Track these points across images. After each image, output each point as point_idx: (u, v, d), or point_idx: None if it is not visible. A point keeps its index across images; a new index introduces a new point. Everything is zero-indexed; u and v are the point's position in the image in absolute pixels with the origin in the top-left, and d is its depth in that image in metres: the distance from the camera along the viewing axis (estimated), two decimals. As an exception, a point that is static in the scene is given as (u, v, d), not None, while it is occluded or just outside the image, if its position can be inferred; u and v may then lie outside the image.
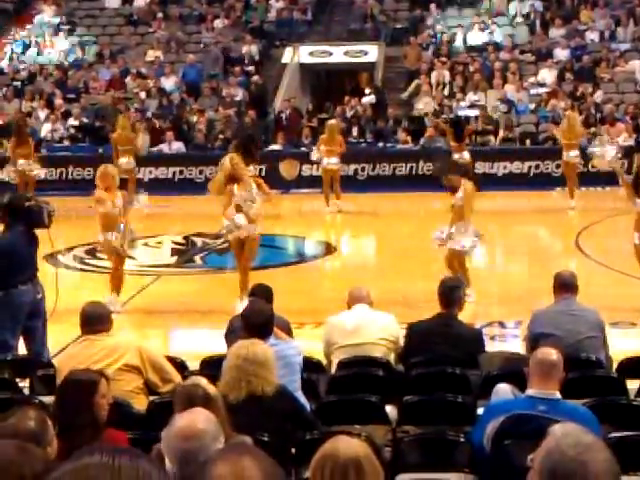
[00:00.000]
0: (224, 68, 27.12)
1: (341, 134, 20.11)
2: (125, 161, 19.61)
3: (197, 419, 3.84)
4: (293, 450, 5.48)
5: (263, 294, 7.70)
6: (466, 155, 18.99)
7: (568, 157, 18.76)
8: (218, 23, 28.88)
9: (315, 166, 22.04)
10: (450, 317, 7.73)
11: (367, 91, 26.22)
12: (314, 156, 19.61)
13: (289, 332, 7.71)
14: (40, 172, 19.74)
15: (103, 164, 12.42)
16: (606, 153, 11.02)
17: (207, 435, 3.73)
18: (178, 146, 23.94)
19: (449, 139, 19.69)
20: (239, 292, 11.20)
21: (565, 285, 7.68)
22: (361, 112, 24.98)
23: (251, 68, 27.04)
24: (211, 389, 4.69)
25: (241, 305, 9.63)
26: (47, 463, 3.13)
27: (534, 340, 7.39)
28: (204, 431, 3.75)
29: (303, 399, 6.42)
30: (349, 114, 24.64)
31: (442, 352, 7.34)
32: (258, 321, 6.54)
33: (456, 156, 18.78)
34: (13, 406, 4.26)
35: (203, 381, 4.83)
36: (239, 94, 26.13)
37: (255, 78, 26.25)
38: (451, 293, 7.78)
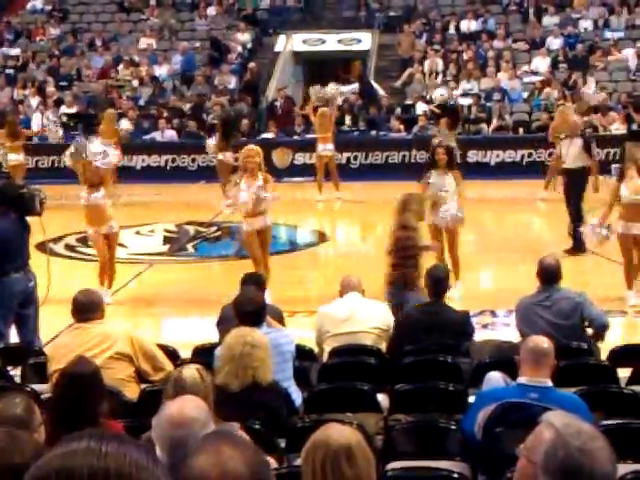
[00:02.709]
0: (217, 56, 27.05)
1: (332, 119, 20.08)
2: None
3: (187, 406, 3.83)
4: (284, 438, 5.48)
5: (255, 282, 7.70)
6: (452, 144, 18.95)
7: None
8: (211, 11, 28.82)
9: (308, 154, 22.04)
10: (438, 305, 7.75)
11: (351, 80, 26.17)
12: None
13: (281, 321, 7.71)
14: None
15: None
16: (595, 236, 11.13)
17: (196, 422, 3.72)
18: (170, 134, 23.89)
19: (441, 125, 19.62)
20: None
21: (545, 274, 7.71)
22: (353, 100, 24.94)
23: (244, 56, 26.98)
24: (197, 377, 4.67)
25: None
26: (37, 450, 3.12)
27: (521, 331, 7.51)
28: (193, 418, 3.74)
29: (295, 387, 6.43)
30: (340, 101, 24.55)
31: (431, 340, 7.35)
32: (250, 309, 6.54)
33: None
34: (3, 394, 4.26)
35: (191, 368, 4.81)
36: (232, 82, 26.08)
37: (251, 65, 26.19)
38: (438, 284, 7.80)
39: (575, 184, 13.46)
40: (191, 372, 4.70)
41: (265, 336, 5.81)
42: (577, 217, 13.18)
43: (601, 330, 7.64)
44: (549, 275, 7.68)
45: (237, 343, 5.60)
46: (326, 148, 19.04)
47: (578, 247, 12.89)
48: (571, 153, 13.54)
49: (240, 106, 24.21)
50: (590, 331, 7.71)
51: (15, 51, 28.14)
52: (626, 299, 10.92)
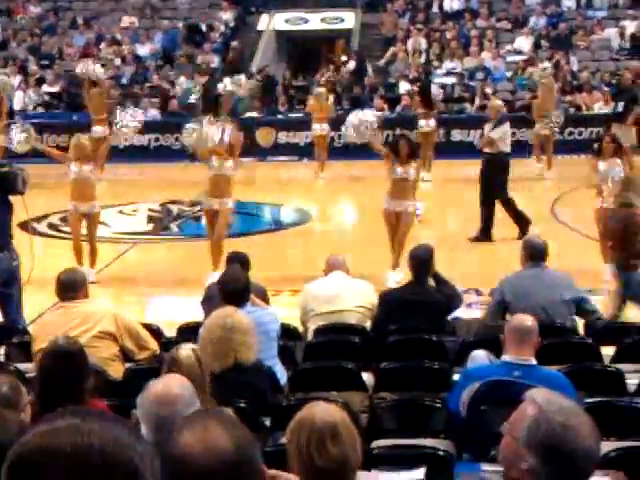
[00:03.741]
0: (200, 35, 26.94)
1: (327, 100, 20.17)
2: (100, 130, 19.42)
3: (171, 384, 3.83)
4: (269, 416, 5.49)
5: (239, 261, 7.69)
6: (432, 123, 18.97)
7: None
8: (194, -11, 28.66)
9: (292, 133, 22.01)
10: (421, 284, 7.75)
11: (344, 58, 26.14)
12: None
13: (265, 299, 7.71)
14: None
15: (76, 134, 12.52)
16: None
17: (181, 400, 3.72)
18: (153, 113, 23.78)
19: (416, 106, 19.64)
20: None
21: (534, 252, 7.68)
22: (339, 78, 24.88)
23: (227, 35, 26.87)
24: (187, 355, 4.66)
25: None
26: (22, 428, 3.11)
27: (502, 307, 7.47)
28: (178, 396, 3.74)
29: (280, 366, 6.43)
30: (322, 81, 24.48)
31: (415, 319, 7.36)
32: (234, 288, 6.53)
33: (422, 123, 18.80)
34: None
35: (188, 347, 4.79)
36: (215, 61, 25.97)
37: (233, 44, 26.09)
38: (422, 263, 7.79)
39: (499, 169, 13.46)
40: (187, 352, 4.69)
41: (247, 316, 5.79)
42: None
43: (597, 325, 7.65)
44: (538, 253, 7.67)
45: (217, 326, 5.58)
46: (322, 127, 19.15)
47: (488, 235, 13.14)
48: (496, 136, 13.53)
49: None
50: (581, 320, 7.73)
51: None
52: (602, 273, 11.01)
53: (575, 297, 7.57)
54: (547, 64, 21.16)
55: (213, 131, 11.59)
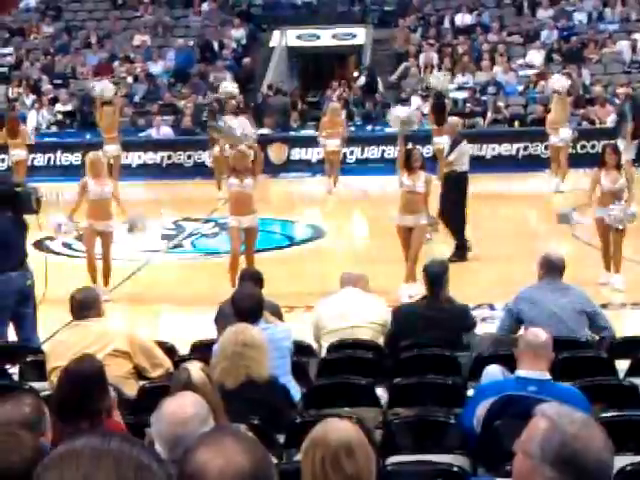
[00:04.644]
0: (212, 52, 27.04)
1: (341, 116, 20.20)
2: (112, 148, 19.50)
3: (185, 403, 3.83)
4: (284, 434, 5.48)
5: (252, 278, 7.70)
6: (445, 139, 18.88)
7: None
8: (205, 7, 28.78)
9: (304, 150, 22.05)
10: (436, 300, 7.74)
11: (355, 74, 26.19)
12: (320, 142, 19.60)
13: (279, 316, 7.71)
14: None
15: (91, 152, 12.65)
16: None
17: (195, 419, 3.72)
18: (166, 131, 23.86)
19: (430, 121, 19.60)
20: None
21: (551, 267, 7.68)
22: (351, 95, 24.92)
23: (239, 52, 26.96)
24: (199, 375, 4.66)
25: None
26: (37, 449, 3.11)
27: (517, 319, 7.47)
28: (192, 415, 3.74)
29: (293, 383, 6.43)
30: (334, 97, 24.53)
31: (430, 334, 7.35)
32: (248, 305, 6.53)
33: (436, 139, 18.76)
34: (4, 393, 4.24)
35: (196, 366, 4.80)
36: (227, 78, 26.04)
37: (245, 60, 26.18)
38: (437, 278, 7.79)
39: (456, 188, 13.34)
40: (197, 372, 4.69)
41: (261, 333, 5.80)
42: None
43: (609, 339, 7.64)
44: (555, 267, 7.67)
45: (230, 342, 5.59)
46: (334, 143, 19.15)
47: (464, 254, 13.02)
48: (452, 158, 13.41)
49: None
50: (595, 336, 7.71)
51: (8, 50, 28.04)
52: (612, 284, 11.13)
53: (589, 311, 7.56)
54: (561, 76, 21.02)
55: (235, 124, 11.67)
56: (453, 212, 13.14)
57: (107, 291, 11.59)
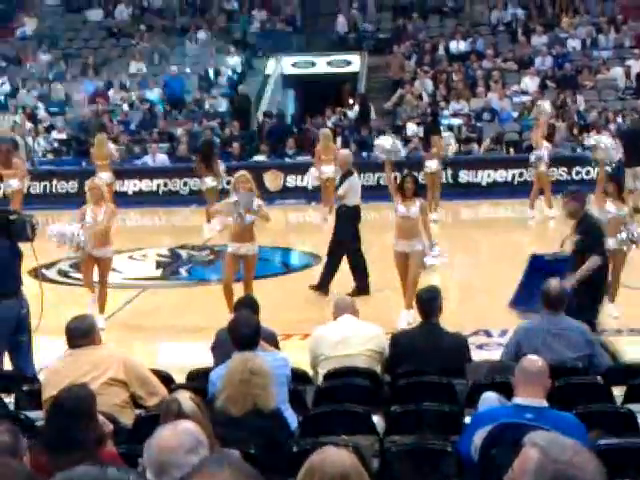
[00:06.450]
0: (207, 80, 27.15)
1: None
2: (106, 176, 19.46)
3: (174, 431, 3.81)
4: (280, 462, 5.46)
5: (248, 305, 7.69)
6: (433, 165, 18.92)
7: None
8: (201, 35, 28.91)
9: (299, 177, 22.08)
10: (433, 326, 7.74)
11: (351, 101, 26.28)
12: (314, 176, 19.45)
13: (276, 343, 7.70)
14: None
15: (90, 178, 12.72)
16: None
17: (181, 448, 3.70)
18: (162, 158, 23.91)
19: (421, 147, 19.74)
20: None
21: (551, 300, 7.56)
22: (345, 123, 25.01)
23: (234, 80, 27.08)
24: (189, 405, 4.65)
25: None
26: (31, 476, 3.10)
27: (516, 354, 7.37)
28: (178, 443, 3.73)
29: (291, 411, 6.41)
30: (329, 124, 24.60)
31: (427, 362, 7.33)
32: (245, 332, 6.51)
33: (427, 163, 18.85)
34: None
35: (185, 395, 4.79)
36: (222, 106, 26.14)
37: (241, 87, 26.27)
38: (430, 303, 7.79)
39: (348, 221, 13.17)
40: (186, 400, 4.67)
41: (267, 363, 5.79)
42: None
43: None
44: (555, 301, 7.54)
45: (237, 370, 5.59)
46: (329, 170, 19.10)
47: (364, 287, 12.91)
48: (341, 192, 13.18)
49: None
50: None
51: (2, 79, 28.08)
52: (607, 312, 11.10)
53: (585, 354, 7.46)
54: (542, 102, 20.98)
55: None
56: (348, 244, 13.03)
57: (103, 319, 11.55)
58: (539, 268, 10.04)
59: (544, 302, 7.60)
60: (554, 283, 7.69)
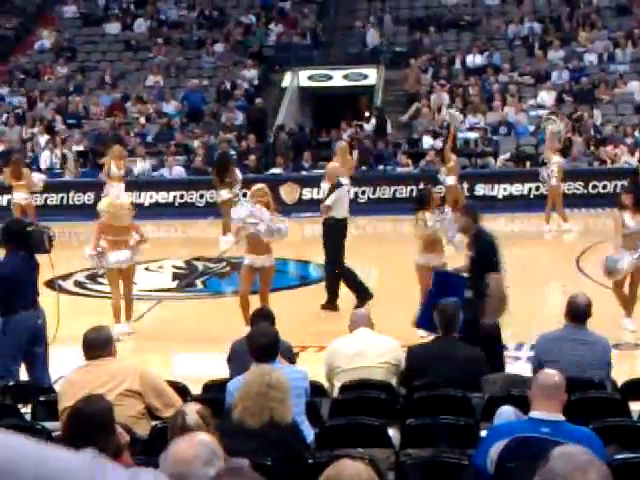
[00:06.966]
0: (224, 93, 27.24)
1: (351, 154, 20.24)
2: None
3: (190, 443, 3.82)
4: (297, 475, 5.45)
5: (265, 317, 7.69)
6: (448, 181, 19.13)
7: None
8: (218, 48, 29.01)
9: (315, 190, 22.10)
10: (451, 340, 7.73)
11: (367, 114, 26.31)
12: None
13: (291, 356, 7.69)
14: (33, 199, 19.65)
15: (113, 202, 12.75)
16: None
17: (197, 460, 3.71)
18: (179, 171, 23.98)
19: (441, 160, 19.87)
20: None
21: (574, 312, 7.55)
22: (362, 136, 25.04)
23: (251, 92, 27.15)
24: (192, 418, 4.66)
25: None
26: None
27: (537, 365, 7.36)
28: (195, 455, 3.73)
29: (307, 423, 6.41)
30: (346, 137, 24.65)
31: (443, 375, 7.31)
32: (265, 343, 6.52)
33: (440, 178, 18.99)
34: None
35: (192, 408, 4.80)
36: (239, 118, 26.21)
37: (257, 100, 26.33)
38: (454, 318, 7.77)
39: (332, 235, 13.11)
40: (192, 414, 4.69)
41: (285, 375, 5.79)
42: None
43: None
44: (577, 313, 7.54)
45: (255, 382, 5.59)
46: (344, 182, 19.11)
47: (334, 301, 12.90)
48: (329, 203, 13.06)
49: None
50: None
51: (22, 90, 28.28)
52: (623, 326, 11.06)
53: (607, 363, 7.44)
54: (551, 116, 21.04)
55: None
56: (330, 260, 13.04)
57: (130, 323, 11.97)
58: (442, 285, 9.75)
59: (568, 313, 7.58)
60: (580, 295, 7.68)
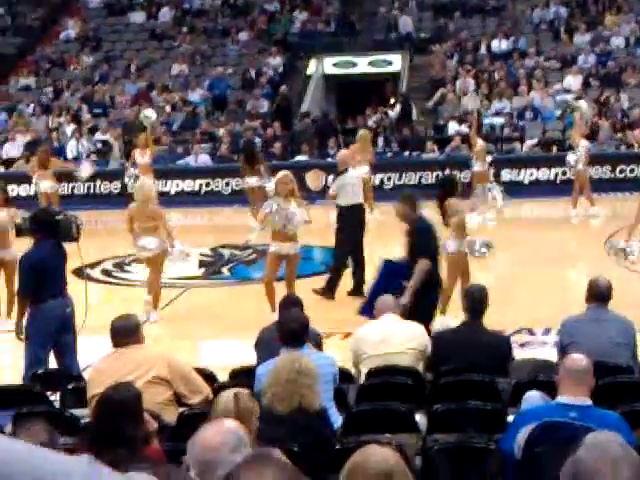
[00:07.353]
0: (249, 81, 27.25)
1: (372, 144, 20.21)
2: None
3: (218, 430, 3.83)
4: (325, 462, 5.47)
5: (294, 304, 7.71)
6: (476, 167, 19.17)
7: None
8: (242, 36, 29.01)
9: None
10: (477, 325, 7.72)
11: (392, 101, 26.24)
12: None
13: (319, 345, 7.71)
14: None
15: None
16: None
17: (225, 446, 3.72)
18: (204, 159, 24.03)
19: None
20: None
21: (596, 294, 7.57)
22: (386, 123, 24.98)
23: (276, 80, 27.15)
24: (230, 402, 4.68)
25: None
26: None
27: (562, 349, 7.36)
28: (222, 442, 3.75)
29: (335, 409, 6.43)
30: (371, 124, 24.60)
31: (469, 360, 7.31)
32: (295, 327, 6.56)
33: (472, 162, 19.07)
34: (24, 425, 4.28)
35: (229, 393, 4.82)
36: (264, 106, 26.22)
37: (282, 88, 26.32)
38: (482, 303, 7.76)
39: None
40: (225, 398, 4.71)
41: (313, 362, 5.81)
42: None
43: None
44: (600, 294, 7.56)
45: (284, 368, 5.62)
46: (363, 170, 19.06)
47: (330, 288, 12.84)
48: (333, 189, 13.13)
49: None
50: None
51: (49, 80, 28.41)
52: None
53: (627, 344, 7.44)
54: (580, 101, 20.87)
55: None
56: (338, 246, 13.04)
57: (156, 312, 12.11)
58: (389, 273, 9.76)
59: (590, 295, 7.58)
60: (600, 278, 7.69)
